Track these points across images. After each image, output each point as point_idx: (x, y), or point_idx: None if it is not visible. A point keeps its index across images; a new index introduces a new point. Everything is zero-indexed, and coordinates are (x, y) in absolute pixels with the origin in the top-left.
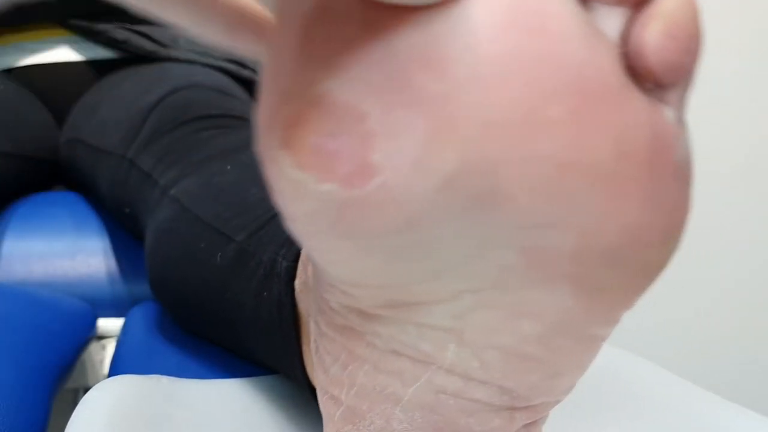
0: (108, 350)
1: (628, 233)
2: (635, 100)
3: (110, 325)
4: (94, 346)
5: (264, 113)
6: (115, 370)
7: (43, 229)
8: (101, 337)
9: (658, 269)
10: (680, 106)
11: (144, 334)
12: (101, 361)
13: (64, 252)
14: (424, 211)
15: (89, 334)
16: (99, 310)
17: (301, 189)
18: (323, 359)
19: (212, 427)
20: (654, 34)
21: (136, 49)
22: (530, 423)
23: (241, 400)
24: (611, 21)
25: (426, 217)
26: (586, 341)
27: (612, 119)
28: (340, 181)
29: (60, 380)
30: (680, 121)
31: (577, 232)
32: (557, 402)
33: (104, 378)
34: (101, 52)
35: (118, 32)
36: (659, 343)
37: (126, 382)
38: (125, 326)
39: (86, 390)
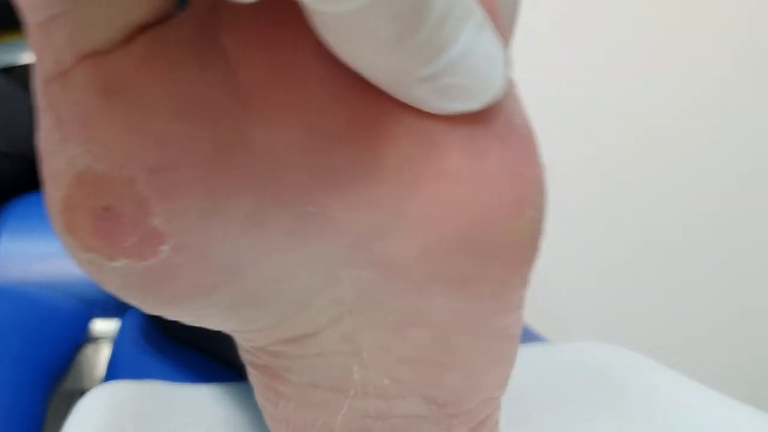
0: (104, 352)
1: (464, 219)
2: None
3: (106, 326)
4: (90, 348)
5: (46, 197)
6: (111, 372)
7: (40, 229)
8: (97, 339)
9: (525, 245)
10: None
11: (140, 336)
12: (97, 363)
13: (61, 252)
14: (236, 261)
15: (85, 336)
16: (95, 311)
17: (97, 268)
18: (259, 399)
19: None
20: None
21: None
22: (477, 425)
23: (238, 404)
24: None
25: (242, 265)
26: (490, 334)
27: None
28: (130, 255)
29: (55, 382)
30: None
31: (412, 234)
32: (496, 398)
33: (100, 379)
34: None
35: None
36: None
37: (120, 387)
38: (122, 328)
39: (82, 392)
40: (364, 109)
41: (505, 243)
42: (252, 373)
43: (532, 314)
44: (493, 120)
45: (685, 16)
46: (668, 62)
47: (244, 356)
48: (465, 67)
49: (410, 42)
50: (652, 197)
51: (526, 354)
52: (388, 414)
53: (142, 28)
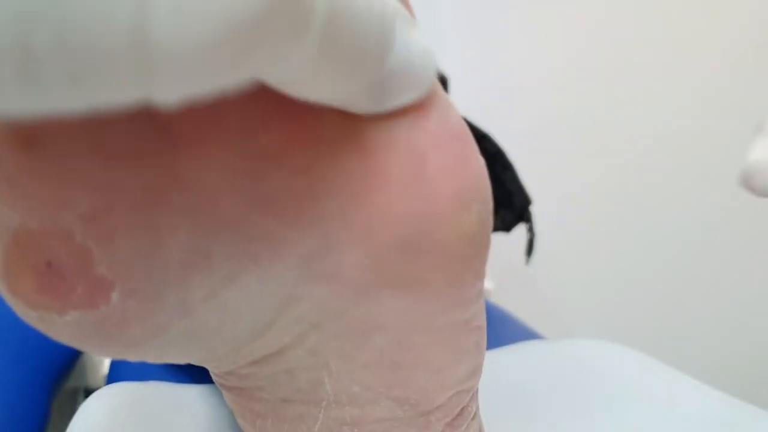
0: None
1: (410, 224)
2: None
3: None
4: None
5: None
6: (114, 371)
7: None
8: None
9: (476, 239)
10: None
11: None
12: (101, 361)
13: None
14: (188, 296)
15: None
16: None
17: (50, 324)
18: (238, 420)
19: None
20: None
21: None
22: (453, 419)
23: None
24: None
25: (194, 299)
26: (450, 330)
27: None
28: (80, 306)
29: (59, 380)
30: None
31: (359, 244)
32: (468, 390)
33: (104, 378)
34: None
35: None
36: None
37: (124, 389)
38: None
39: (86, 390)
40: (296, 127)
41: (454, 239)
42: (226, 396)
43: (534, 316)
44: (429, 122)
45: (701, 14)
46: (678, 62)
47: (216, 380)
48: (405, 68)
49: (360, 69)
50: (654, 198)
51: (519, 351)
52: (364, 420)
53: None
